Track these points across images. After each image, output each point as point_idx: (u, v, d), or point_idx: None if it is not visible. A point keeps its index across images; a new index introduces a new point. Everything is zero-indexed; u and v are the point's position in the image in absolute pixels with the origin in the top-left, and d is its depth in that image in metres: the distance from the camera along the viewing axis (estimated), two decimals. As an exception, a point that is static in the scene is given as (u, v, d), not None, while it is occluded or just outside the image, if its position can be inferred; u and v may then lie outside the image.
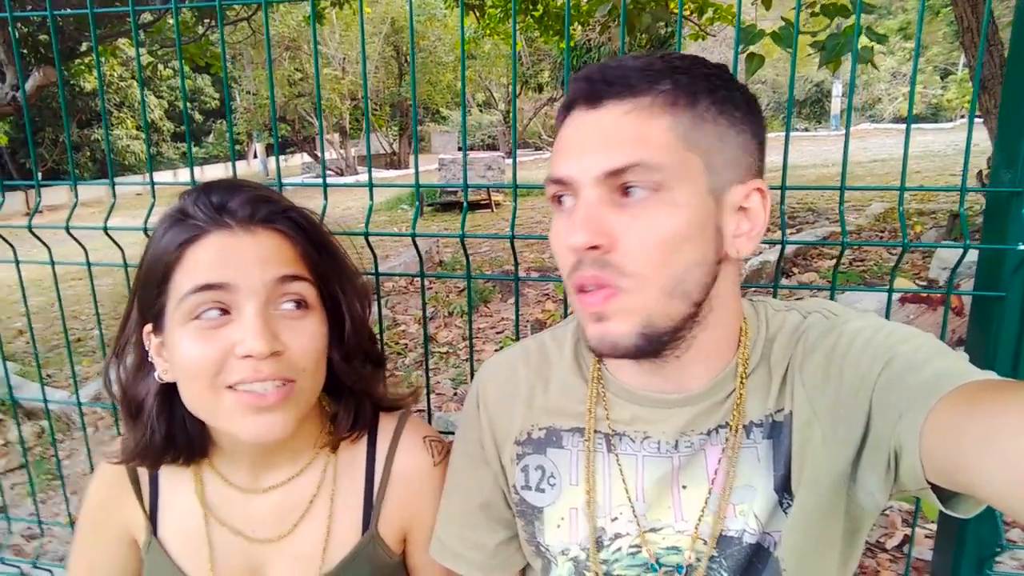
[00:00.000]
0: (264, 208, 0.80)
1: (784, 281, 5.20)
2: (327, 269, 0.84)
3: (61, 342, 5.45)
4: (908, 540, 2.36)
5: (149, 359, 0.82)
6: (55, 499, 3.15)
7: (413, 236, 1.04)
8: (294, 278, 0.78)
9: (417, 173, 1.08)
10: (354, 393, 0.91)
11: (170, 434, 0.83)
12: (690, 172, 0.67)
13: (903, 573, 1.44)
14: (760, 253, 5.40)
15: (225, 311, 0.75)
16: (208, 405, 0.77)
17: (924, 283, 4.49)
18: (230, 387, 0.75)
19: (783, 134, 0.99)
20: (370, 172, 1.08)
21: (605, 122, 0.68)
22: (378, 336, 1.03)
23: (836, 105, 24.50)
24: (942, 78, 23.88)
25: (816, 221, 6.99)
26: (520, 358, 0.89)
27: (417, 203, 1.07)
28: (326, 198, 1.04)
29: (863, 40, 2.99)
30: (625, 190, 0.67)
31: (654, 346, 0.69)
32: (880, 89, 25.31)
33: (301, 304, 0.79)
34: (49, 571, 1.79)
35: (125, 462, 0.87)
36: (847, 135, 0.98)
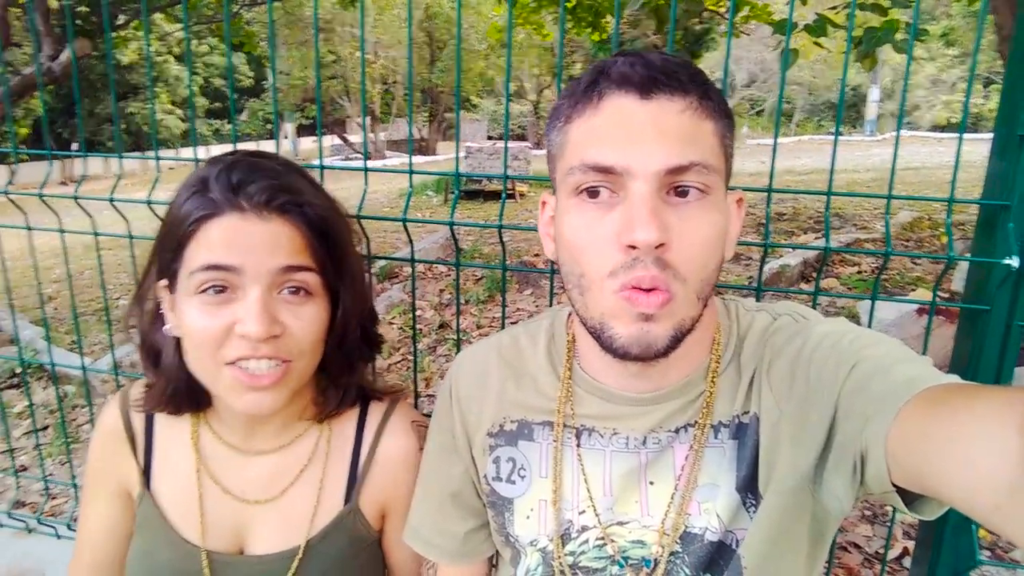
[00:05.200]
0: (280, 197, 0.82)
1: (803, 286, 5.13)
2: (331, 262, 0.87)
3: (87, 310, 5.58)
4: (907, 552, 2.35)
5: (162, 311, 0.86)
6: (74, 461, 3.25)
7: (404, 221, 1.05)
8: (298, 268, 0.82)
9: (411, 159, 1.09)
10: (344, 379, 0.95)
11: (190, 384, 0.87)
12: (723, 178, 0.70)
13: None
14: (780, 257, 5.33)
15: (231, 289, 0.79)
16: (209, 375, 0.82)
17: (947, 295, 4.41)
18: (230, 363, 0.79)
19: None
20: (366, 157, 1.10)
21: (662, 117, 0.66)
22: (388, 322, 1.05)
23: (872, 110, 23.98)
24: (984, 86, 23.24)
25: (842, 227, 6.87)
26: (493, 351, 0.90)
27: (410, 190, 1.09)
28: (322, 178, 1.07)
29: (899, 34, 2.96)
30: (678, 189, 0.67)
31: (673, 349, 0.69)
32: (919, 96, 24.69)
33: (304, 291, 0.83)
34: (53, 527, 1.86)
35: (151, 408, 0.92)
36: (835, 141, 0.97)
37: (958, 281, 4.37)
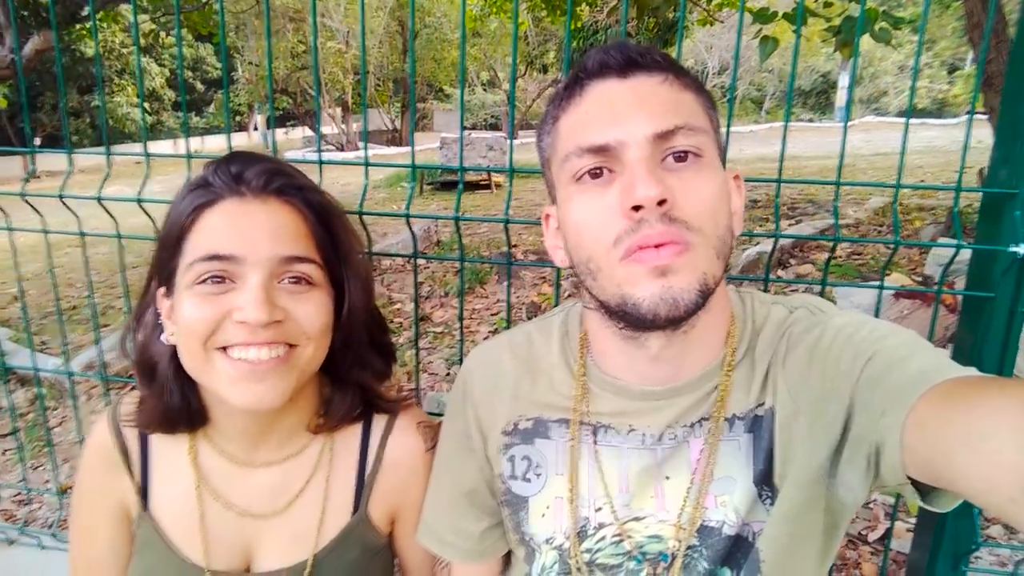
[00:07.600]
0: (278, 180, 0.81)
1: (780, 272, 5.20)
2: (334, 253, 0.85)
3: (56, 309, 5.44)
4: (889, 533, 2.39)
5: (160, 321, 0.83)
6: (48, 465, 3.16)
7: (407, 216, 1.03)
8: (301, 259, 0.79)
9: (413, 154, 1.07)
10: (351, 382, 0.91)
11: (184, 397, 0.84)
12: (713, 144, 0.71)
13: (883, 566, 1.47)
14: (758, 244, 5.39)
15: (230, 279, 0.77)
16: (200, 365, 0.78)
17: (920, 279, 4.49)
18: (222, 349, 0.76)
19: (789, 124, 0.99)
20: (366, 151, 1.08)
21: (643, 90, 0.69)
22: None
23: (842, 96, 24.30)
24: (949, 73, 23.69)
25: (816, 213, 6.96)
26: (507, 349, 0.89)
27: (412, 183, 1.06)
28: (321, 175, 1.04)
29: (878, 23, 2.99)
30: (673, 156, 0.68)
31: (700, 307, 0.68)
32: (887, 82, 25.11)
33: (305, 281, 0.80)
34: (36, 537, 1.80)
35: (143, 426, 0.89)
36: (844, 131, 0.97)
37: (931, 266, 4.47)
